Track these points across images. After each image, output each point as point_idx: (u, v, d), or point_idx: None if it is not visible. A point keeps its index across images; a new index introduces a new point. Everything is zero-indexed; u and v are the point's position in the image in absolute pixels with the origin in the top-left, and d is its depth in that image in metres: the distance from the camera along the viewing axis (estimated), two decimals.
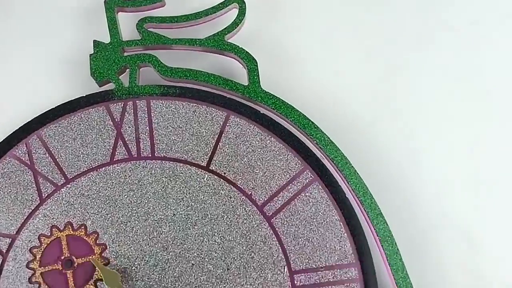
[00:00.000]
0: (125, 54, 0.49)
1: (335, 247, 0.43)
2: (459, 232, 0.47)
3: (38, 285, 0.43)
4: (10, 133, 0.46)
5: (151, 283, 0.42)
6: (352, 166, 0.45)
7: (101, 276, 0.42)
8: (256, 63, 0.47)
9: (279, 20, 0.54)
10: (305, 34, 0.53)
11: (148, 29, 0.49)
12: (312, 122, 0.46)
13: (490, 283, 0.46)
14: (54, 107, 0.47)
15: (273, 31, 0.54)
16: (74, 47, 0.52)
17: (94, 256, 0.43)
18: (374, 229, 0.43)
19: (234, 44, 0.48)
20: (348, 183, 0.44)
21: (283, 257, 0.43)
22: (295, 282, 0.42)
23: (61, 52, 0.53)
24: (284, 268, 0.42)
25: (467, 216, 0.47)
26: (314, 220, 0.44)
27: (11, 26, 0.54)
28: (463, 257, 0.46)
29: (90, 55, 0.48)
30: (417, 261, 0.45)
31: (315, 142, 0.46)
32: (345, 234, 0.43)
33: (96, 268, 0.43)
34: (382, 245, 0.43)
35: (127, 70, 0.48)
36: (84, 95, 0.47)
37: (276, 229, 0.43)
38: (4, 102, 0.51)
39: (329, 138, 0.46)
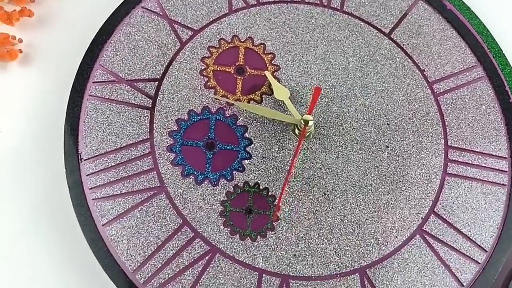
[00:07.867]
0: None
1: (492, 138, 0.44)
2: None
3: (207, 78, 0.44)
4: None
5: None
6: None
7: (268, 90, 0.44)
8: None
9: None
10: None
11: None
12: (490, 34, 0.48)
13: None
14: None
15: None
16: None
17: (267, 71, 0.45)
18: None
19: None
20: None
21: (441, 131, 0.44)
22: (449, 156, 0.43)
23: None
24: (441, 140, 0.44)
25: None
26: (478, 110, 0.45)
27: None
28: None
29: None
30: None
31: (489, 50, 0.48)
32: (504, 132, 0.45)
33: (265, 82, 0.44)
34: None
35: None
36: None
37: (441, 106, 0.45)
38: None
39: (501, 50, 0.48)
